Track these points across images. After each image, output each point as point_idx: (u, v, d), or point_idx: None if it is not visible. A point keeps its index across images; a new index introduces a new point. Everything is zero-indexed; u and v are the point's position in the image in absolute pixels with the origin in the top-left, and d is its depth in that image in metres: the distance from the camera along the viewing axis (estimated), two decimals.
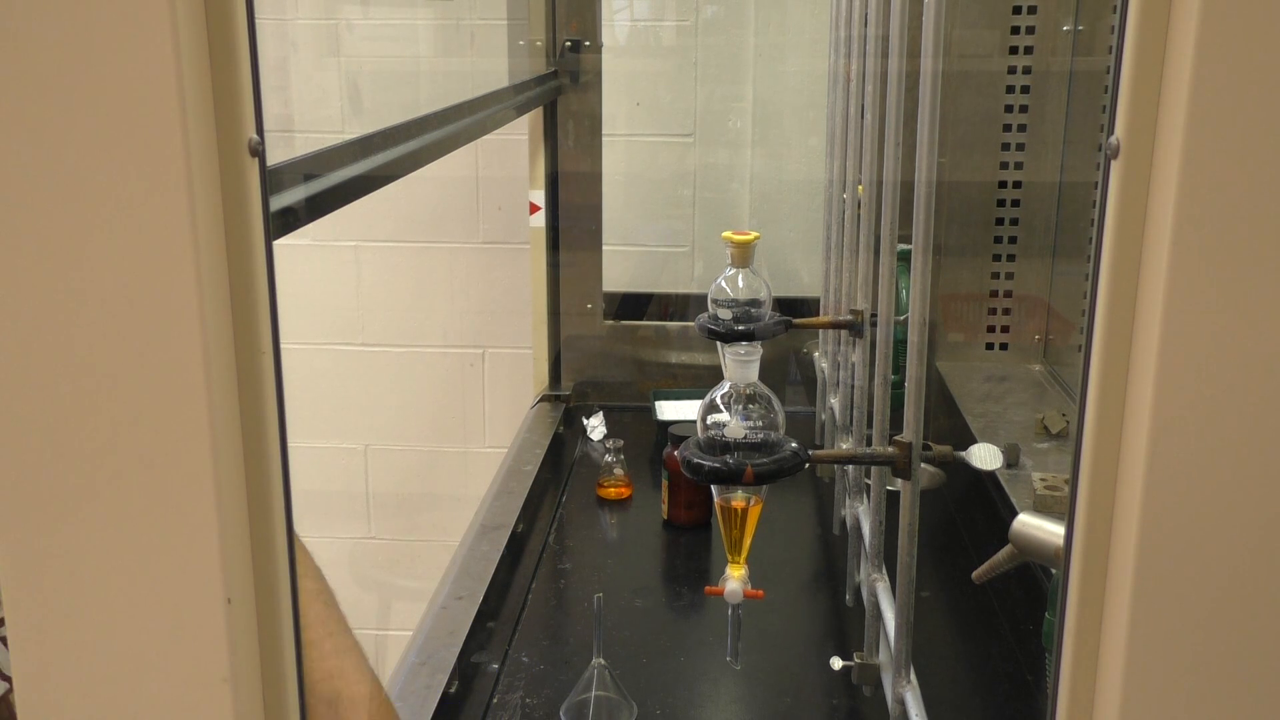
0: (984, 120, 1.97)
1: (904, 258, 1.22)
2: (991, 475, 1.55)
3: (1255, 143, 0.51)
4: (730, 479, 0.90)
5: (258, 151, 0.60)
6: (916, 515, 0.94)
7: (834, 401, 1.52)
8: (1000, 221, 2.01)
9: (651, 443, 1.95)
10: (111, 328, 0.59)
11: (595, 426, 2.00)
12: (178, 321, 0.59)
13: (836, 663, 1.10)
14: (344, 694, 0.93)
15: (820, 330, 1.73)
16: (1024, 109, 1.95)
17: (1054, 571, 1.08)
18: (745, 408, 0.93)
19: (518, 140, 2.16)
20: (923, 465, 0.95)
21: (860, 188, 1.25)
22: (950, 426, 1.83)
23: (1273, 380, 0.54)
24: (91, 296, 0.59)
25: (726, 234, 1.15)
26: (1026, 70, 1.94)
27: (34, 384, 0.60)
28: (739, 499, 0.96)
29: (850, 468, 1.40)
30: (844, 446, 1.38)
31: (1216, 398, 0.54)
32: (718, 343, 1.20)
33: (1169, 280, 0.53)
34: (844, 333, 1.34)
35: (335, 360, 2.56)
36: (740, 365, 0.94)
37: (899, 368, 0.99)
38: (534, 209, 2.11)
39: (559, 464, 1.92)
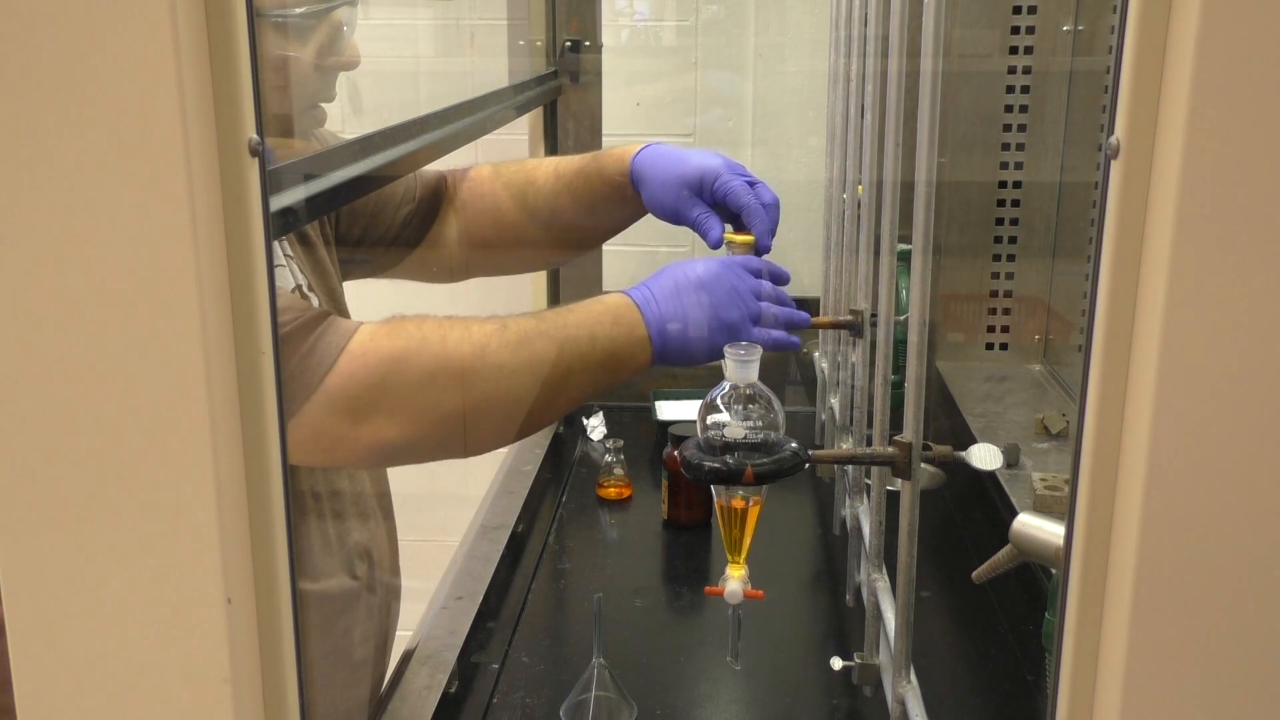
0: (984, 120, 1.97)
1: (904, 258, 1.22)
2: (991, 475, 1.55)
3: (1255, 143, 0.51)
4: (730, 479, 0.90)
5: (258, 151, 0.60)
6: (916, 515, 0.94)
7: (834, 401, 1.52)
8: (1000, 221, 2.01)
9: (651, 443, 1.95)
10: (112, 327, 0.59)
11: (595, 426, 2.00)
12: (178, 321, 0.59)
13: (836, 663, 1.10)
14: None
15: (820, 330, 1.73)
16: (1024, 109, 1.95)
17: (1054, 571, 1.08)
18: (745, 408, 0.93)
19: (518, 140, 2.15)
20: (923, 465, 0.95)
21: (860, 188, 1.25)
22: (950, 426, 1.83)
23: (1273, 380, 0.54)
24: (92, 296, 0.59)
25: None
26: (1026, 70, 1.94)
27: (34, 383, 0.60)
28: (739, 499, 0.96)
29: (850, 468, 1.40)
30: (844, 446, 1.38)
31: (1217, 397, 0.54)
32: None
33: (1169, 280, 0.53)
34: (844, 333, 1.34)
35: None
36: (740, 365, 0.93)
37: (899, 368, 0.99)
38: None
39: (559, 464, 1.92)
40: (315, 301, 1.23)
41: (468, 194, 1.46)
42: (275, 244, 1.21)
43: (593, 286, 2.17)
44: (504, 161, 1.48)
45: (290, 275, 1.21)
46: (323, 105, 1.17)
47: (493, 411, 1.04)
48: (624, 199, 1.32)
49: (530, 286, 2.17)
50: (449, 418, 1.01)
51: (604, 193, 1.34)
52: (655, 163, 1.28)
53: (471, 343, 1.01)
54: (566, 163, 1.39)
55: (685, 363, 1.10)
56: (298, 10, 1.10)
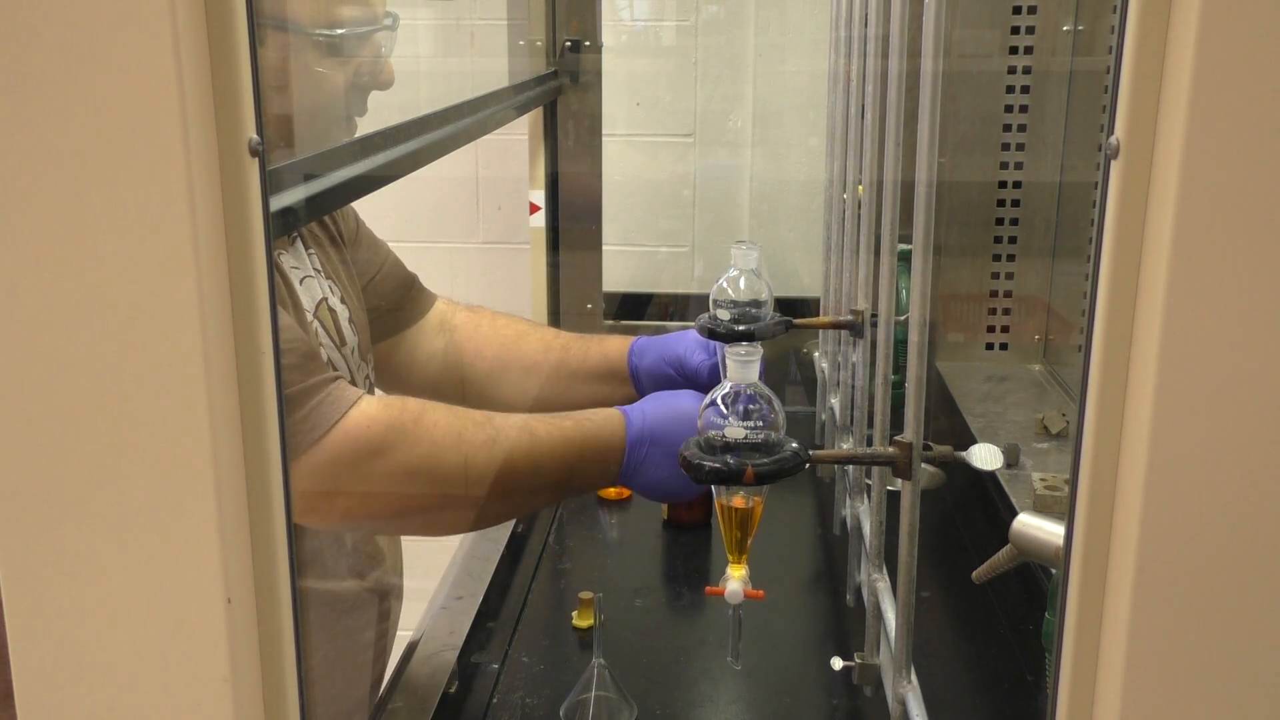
0: (984, 120, 1.97)
1: (904, 258, 1.22)
2: (991, 475, 1.55)
3: (1255, 143, 0.51)
4: (730, 479, 0.90)
5: (258, 151, 0.60)
6: (917, 515, 0.94)
7: (834, 401, 1.52)
8: (1000, 221, 2.01)
9: None
10: (112, 327, 0.59)
11: None
12: (178, 321, 0.59)
13: (837, 663, 1.09)
14: None
15: (820, 330, 1.73)
16: (1024, 109, 1.95)
17: (1054, 571, 1.08)
18: (745, 408, 0.93)
19: (518, 140, 2.15)
20: (923, 465, 0.95)
21: (860, 188, 1.25)
22: (950, 426, 1.83)
23: (1273, 380, 0.54)
24: (92, 296, 0.59)
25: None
26: (1026, 70, 1.94)
27: (34, 383, 0.60)
28: (739, 499, 0.96)
29: (850, 468, 1.40)
30: (844, 446, 1.38)
31: (1216, 397, 0.54)
32: (718, 343, 1.20)
33: (1169, 280, 0.53)
34: (844, 333, 1.34)
35: None
36: (740, 366, 0.93)
37: (899, 368, 0.99)
38: (534, 209, 2.11)
39: None
40: (344, 314, 1.25)
41: (463, 330, 1.46)
42: (305, 256, 1.24)
43: (593, 287, 2.17)
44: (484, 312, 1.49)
45: (318, 288, 1.22)
46: (355, 119, 1.20)
47: (455, 518, 1.12)
48: (609, 378, 1.36)
49: (530, 287, 2.17)
50: (415, 510, 1.10)
51: (592, 367, 1.38)
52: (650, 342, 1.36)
53: (460, 452, 1.06)
54: (556, 335, 1.44)
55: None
56: (339, 30, 1.13)
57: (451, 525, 1.17)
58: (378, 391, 1.37)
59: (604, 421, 1.15)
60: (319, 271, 1.24)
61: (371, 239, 1.41)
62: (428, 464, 1.05)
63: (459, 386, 1.43)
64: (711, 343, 1.29)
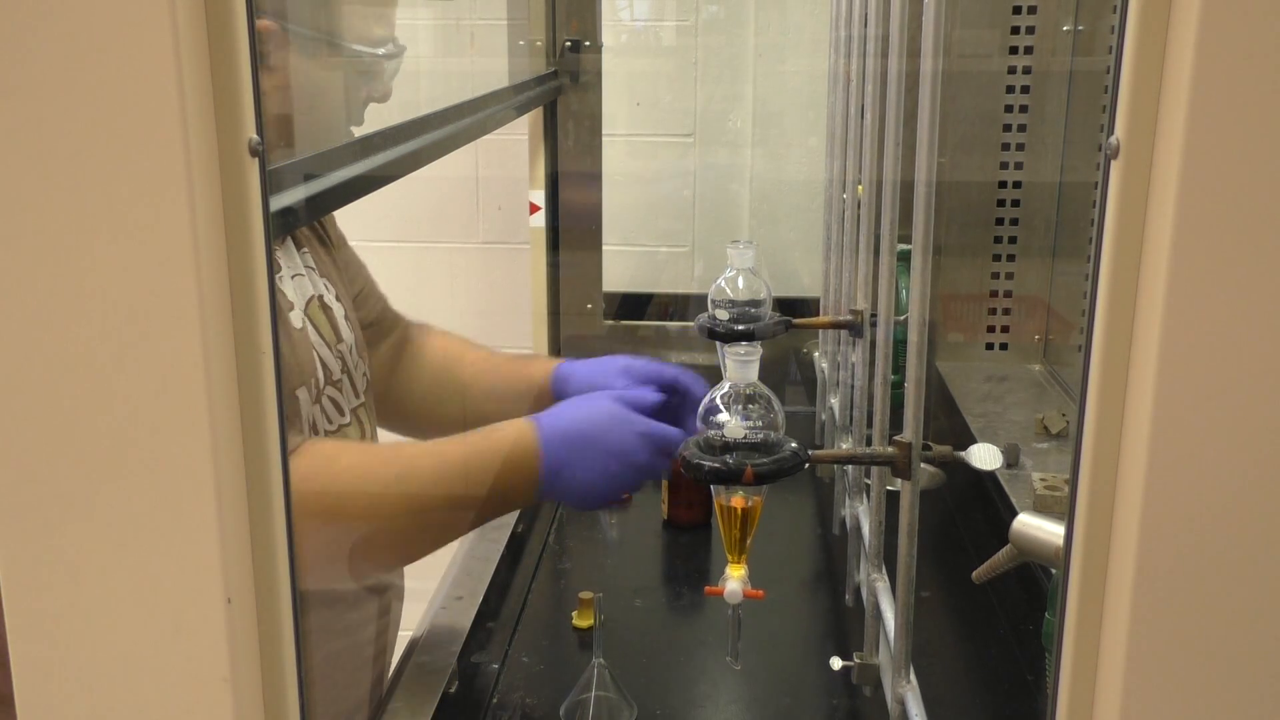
0: (984, 120, 1.97)
1: (904, 258, 1.23)
2: (991, 475, 1.55)
3: (1255, 143, 0.51)
4: (730, 479, 0.90)
5: (258, 151, 0.60)
6: (916, 515, 0.94)
7: (834, 401, 1.52)
8: (1000, 221, 2.01)
9: None
10: (112, 327, 0.59)
11: None
12: (178, 321, 0.59)
13: (836, 663, 1.10)
14: None
15: (820, 330, 1.73)
16: (1024, 109, 1.95)
17: (1054, 571, 1.08)
18: (745, 408, 0.93)
19: (518, 140, 2.15)
20: (923, 465, 0.95)
21: (860, 188, 1.25)
22: (950, 426, 1.83)
23: (1273, 380, 0.54)
24: (92, 296, 0.59)
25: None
26: (1026, 70, 1.94)
27: (34, 383, 0.60)
28: (739, 499, 0.96)
29: (850, 468, 1.40)
30: (844, 446, 1.38)
31: (1216, 397, 0.54)
32: (717, 343, 1.20)
33: (1169, 280, 0.53)
34: (844, 333, 1.34)
35: None
36: (740, 365, 0.93)
37: (899, 368, 0.99)
38: (534, 209, 2.11)
39: None
40: (340, 311, 1.25)
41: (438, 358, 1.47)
42: (296, 255, 1.24)
43: (593, 287, 2.17)
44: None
45: (310, 285, 1.22)
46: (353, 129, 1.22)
47: (384, 556, 1.16)
48: (536, 400, 1.35)
49: (530, 287, 2.17)
50: (342, 556, 1.09)
51: (520, 388, 1.38)
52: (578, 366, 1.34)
53: (367, 493, 1.07)
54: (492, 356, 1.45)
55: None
56: (349, 49, 1.15)
57: (382, 563, 1.18)
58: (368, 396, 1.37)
59: (512, 428, 1.14)
60: (312, 269, 1.24)
61: (352, 253, 1.43)
62: (337, 512, 1.05)
63: (407, 405, 1.44)
64: (636, 365, 1.27)
